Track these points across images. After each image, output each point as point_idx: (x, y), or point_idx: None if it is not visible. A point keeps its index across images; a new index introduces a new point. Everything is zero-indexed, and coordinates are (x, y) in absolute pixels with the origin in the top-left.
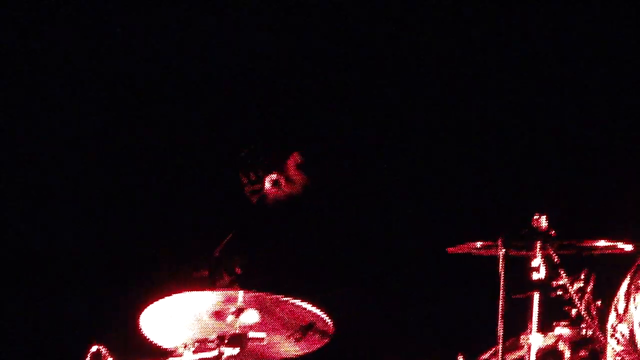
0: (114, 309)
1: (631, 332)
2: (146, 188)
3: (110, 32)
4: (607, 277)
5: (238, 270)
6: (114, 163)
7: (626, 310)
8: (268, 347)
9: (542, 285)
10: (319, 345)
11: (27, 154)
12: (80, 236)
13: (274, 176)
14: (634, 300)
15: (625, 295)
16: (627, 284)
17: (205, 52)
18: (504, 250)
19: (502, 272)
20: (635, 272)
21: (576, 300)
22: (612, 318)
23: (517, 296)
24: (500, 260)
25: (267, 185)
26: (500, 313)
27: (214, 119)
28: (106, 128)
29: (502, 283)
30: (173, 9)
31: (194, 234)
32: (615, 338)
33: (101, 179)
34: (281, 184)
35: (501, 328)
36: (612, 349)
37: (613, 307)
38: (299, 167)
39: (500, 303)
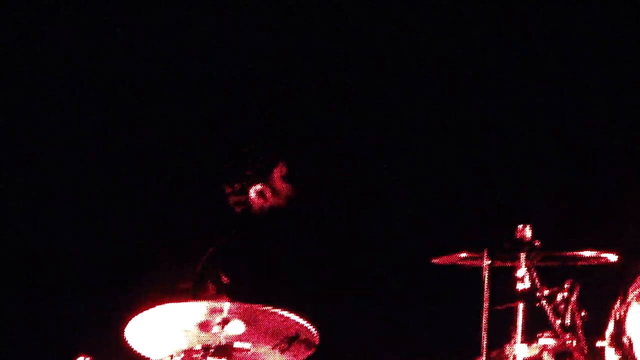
0: (100, 319)
1: (630, 341)
2: (142, 190)
3: (110, 32)
4: (591, 287)
5: (225, 280)
6: (114, 163)
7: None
8: (253, 358)
9: (527, 296)
10: (304, 356)
11: (27, 154)
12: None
13: (259, 187)
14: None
15: (624, 305)
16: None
17: (205, 52)
18: (489, 261)
19: (487, 283)
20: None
21: (561, 310)
22: (610, 327)
23: (502, 307)
24: (485, 271)
25: (252, 195)
26: (484, 324)
27: (214, 119)
28: (106, 128)
29: (486, 294)
30: (173, 9)
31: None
32: (614, 347)
33: (101, 179)
34: (266, 195)
35: (485, 339)
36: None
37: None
38: (284, 178)
39: (485, 314)
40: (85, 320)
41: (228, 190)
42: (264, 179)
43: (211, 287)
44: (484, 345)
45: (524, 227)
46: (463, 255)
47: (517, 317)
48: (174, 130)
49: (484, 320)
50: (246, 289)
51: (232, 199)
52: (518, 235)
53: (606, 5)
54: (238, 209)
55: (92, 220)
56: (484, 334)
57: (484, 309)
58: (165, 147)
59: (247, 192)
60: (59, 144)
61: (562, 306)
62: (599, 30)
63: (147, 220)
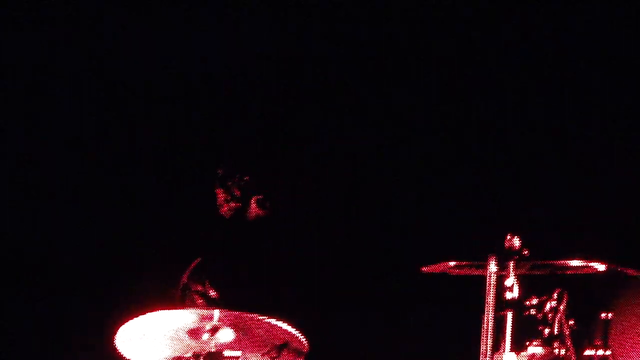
0: (90, 326)
1: None
2: (133, 195)
3: (110, 32)
4: (580, 296)
5: (214, 295)
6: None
7: None
8: None
9: (516, 305)
10: None
11: (27, 154)
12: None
13: (260, 196)
14: None
15: None
16: None
17: (205, 52)
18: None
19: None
20: None
21: (549, 319)
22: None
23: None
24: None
25: (253, 204)
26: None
27: (214, 119)
28: (106, 128)
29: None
30: (173, 9)
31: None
32: None
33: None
34: (266, 205)
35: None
36: None
37: None
38: (259, 203)
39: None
40: (75, 327)
41: (223, 197)
42: (265, 188)
43: (197, 299)
44: (486, 352)
45: (513, 236)
46: (452, 264)
47: (505, 326)
48: (174, 130)
49: (487, 327)
50: (236, 297)
51: (227, 206)
52: (507, 244)
53: (606, 5)
54: (228, 216)
55: (82, 226)
56: (486, 341)
57: (488, 316)
58: (158, 153)
59: (247, 201)
60: (59, 144)
61: (551, 315)
62: (599, 30)
63: (139, 226)
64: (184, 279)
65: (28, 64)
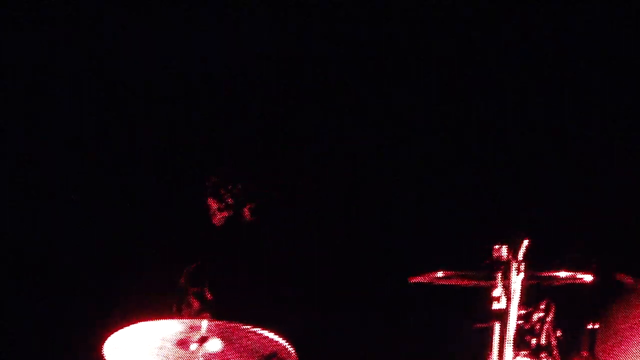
0: (90, 326)
1: None
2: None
3: (110, 32)
4: (567, 307)
5: (209, 296)
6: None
7: None
8: None
9: (503, 316)
10: None
11: (27, 154)
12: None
13: (252, 205)
14: None
15: None
16: None
17: (205, 52)
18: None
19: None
20: None
21: (537, 330)
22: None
23: (478, 326)
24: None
25: (246, 213)
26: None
27: (214, 119)
28: (106, 128)
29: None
30: (173, 9)
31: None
32: None
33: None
34: (258, 214)
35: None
36: None
37: None
38: (252, 211)
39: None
40: (75, 327)
41: (215, 206)
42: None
43: (195, 303)
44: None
45: (500, 246)
46: (440, 274)
47: (492, 337)
48: (174, 130)
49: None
50: (233, 300)
51: (219, 215)
52: (494, 255)
53: (606, 5)
54: (220, 224)
55: (82, 226)
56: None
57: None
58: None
59: (240, 209)
60: (59, 144)
61: (538, 326)
62: (599, 30)
63: (139, 226)
64: (182, 281)
65: (28, 64)
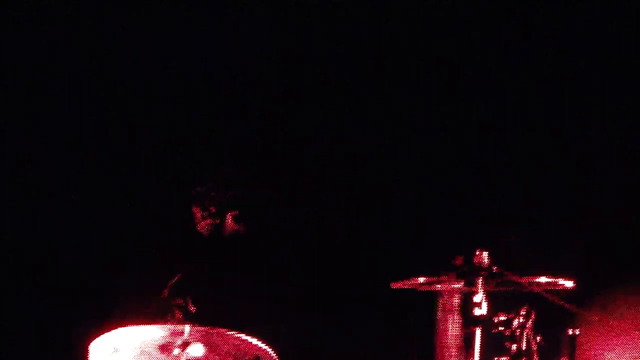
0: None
1: None
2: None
3: (110, 32)
4: (547, 313)
5: (192, 309)
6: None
7: None
8: None
9: (484, 321)
10: None
11: (27, 154)
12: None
13: (235, 212)
14: None
15: None
16: None
17: (205, 52)
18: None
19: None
20: None
21: (517, 336)
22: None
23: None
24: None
25: (229, 221)
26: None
27: (214, 119)
28: (106, 128)
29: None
30: (173, 9)
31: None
32: None
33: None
34: (241, 221)
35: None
36: None
37: None
38: (235, 219)
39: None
40: (75, 327)
41: (199, 214)
42: (241, 204)
43: (178, 314)
44: None
45: (481, 252)
46: (421, 280)
47: (474, 342)
48: (174, 130)
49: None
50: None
51: (202, 223)
52: (475, 260)
53: (606, 5)
54: (206, 233)
55: (82, 225)
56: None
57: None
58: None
59: (223, 217)
60: (59, 143)
61: (518, 332)
62: (599, 30)
63: (139, 226)
64: (165, 293)
65: (28, 64)
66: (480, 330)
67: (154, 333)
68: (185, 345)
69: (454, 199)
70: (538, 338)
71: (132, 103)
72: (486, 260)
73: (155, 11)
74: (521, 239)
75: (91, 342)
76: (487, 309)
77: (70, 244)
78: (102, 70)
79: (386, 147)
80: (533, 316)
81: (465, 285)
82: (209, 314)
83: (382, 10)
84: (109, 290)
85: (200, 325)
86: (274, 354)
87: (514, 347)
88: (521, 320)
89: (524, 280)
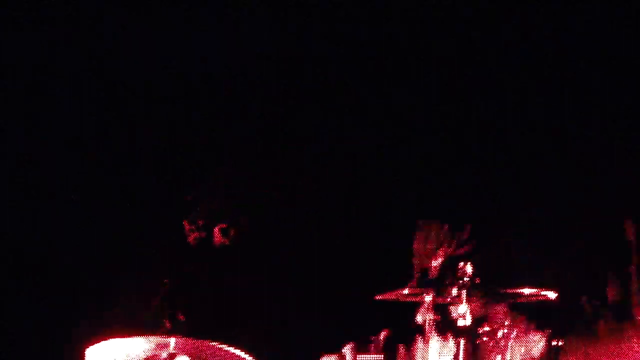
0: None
1: None
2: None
3: (110, 32)
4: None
5: (181, 317)
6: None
7: None
8: None
9: (468, 332)
10: None
11: (27, 154)
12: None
13: (223, 225)
14: None
15: None
16: None
17: (205, 52)
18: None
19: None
20: None
21: (501, 346)
22: None
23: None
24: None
25: (217, 233)
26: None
27: (214, 119)
28: (106, 128)
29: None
30: (173, 9)
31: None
32: None
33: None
34: (230, 234)
35: None
36: None
37: None
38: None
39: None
40: (75, 327)
41: (188, 227)
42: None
43: (167, 323)
44: None
45: (465, 264)
46: (405, 291)
47: (458, 352)
48: (174, 130)
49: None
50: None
51: (192, 236)
52: (459, 272)
53: (606, 5)
54: (194, 245)
55: (82, 226)
56: None
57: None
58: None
59: (211, 230)
60: (59, 144)
61: (503, 342)
62: (599, 30)
63: (139, 226)
64: (155, 302)
65: (28, 64)
66: (464, 341)
67: (141, 346)
68: (171, 357)
69: (454, 199)
70: (522, 349)
71: (132, 103)
72: (470, 271)
73: (155, 11)
74: (521, 241)
75: (88, 345)
76: (471, 320)
77: (70, 244)
78: (102, 70)
79: (386, 147)
80: (517, 327)
81: (449, 296)
82: (198, 328)
83: (382, 10)
84: (109, 290)
85: (188, 337)
86: None
87: (499, 358)
88: (505, 330)
89: (508, 291)
